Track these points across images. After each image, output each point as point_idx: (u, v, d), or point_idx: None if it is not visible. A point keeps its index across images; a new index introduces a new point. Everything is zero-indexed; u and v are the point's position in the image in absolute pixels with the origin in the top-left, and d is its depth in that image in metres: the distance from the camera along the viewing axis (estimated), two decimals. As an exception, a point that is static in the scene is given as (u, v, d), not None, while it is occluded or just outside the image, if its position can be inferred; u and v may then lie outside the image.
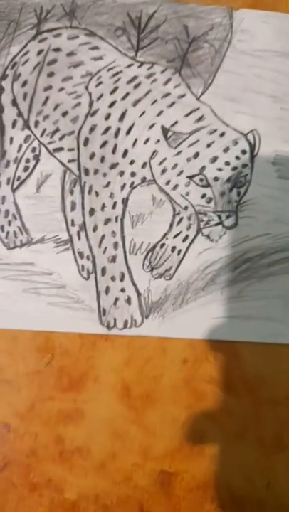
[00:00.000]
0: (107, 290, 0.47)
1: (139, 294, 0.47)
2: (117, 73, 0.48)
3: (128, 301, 0.47)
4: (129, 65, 0.49)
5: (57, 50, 0.49)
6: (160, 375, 0.45)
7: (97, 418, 0.45)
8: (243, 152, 0.48)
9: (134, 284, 0.47)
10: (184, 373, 0.45)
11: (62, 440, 0.44)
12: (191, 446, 0.44)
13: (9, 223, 0.48)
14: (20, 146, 0.49)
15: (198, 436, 0.44)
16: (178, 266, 0.48)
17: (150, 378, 0.45)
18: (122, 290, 0.47)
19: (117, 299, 0.47)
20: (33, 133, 0.48)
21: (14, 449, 0.44)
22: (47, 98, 0.48)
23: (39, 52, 0.49)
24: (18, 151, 0.48)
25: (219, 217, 0.47)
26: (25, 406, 0.44)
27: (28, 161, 0.49)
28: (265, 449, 0.44)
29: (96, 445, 0.44)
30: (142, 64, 0.49)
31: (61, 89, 0.48)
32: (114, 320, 0.47)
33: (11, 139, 0.48)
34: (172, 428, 0.45)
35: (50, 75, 0.48)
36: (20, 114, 0.48)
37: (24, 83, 0.48)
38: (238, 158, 0.47)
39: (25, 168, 0.48)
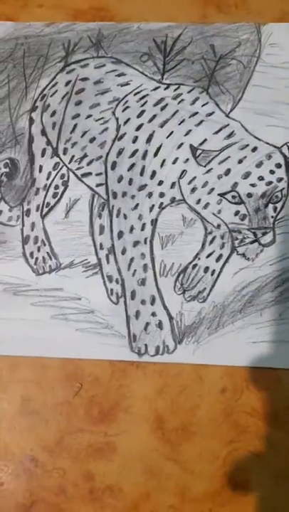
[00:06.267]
0: (137, 314, 0.47)
1: (171, 318, 0.47)
2: (143, 97, 0.49)
3: (159, 325, 0.47)
4: (156, 88, 0.50)
5: (84, 79, 0.51)
6: (197, 406, 0.44)
7: (129, 453, 0.43)
8: (278, 166, 0.47)
9: (165, 308, 0.47)
10: (223, 404, 0.44)
11: (92, 477, 0.43)
12: (234, 487, 0.41)
13: (38, 249, 0.49)
14: (50, 173, 0.50)
15: (242, 475, 0.41)
16: (212, 287, 0.47)
17: (186, 409, 0.44)
18: (153, 314, 0.47)
19: (147, 324, 0.47)
20: (61, 160, 0.50)
21: (42, 486, 0.43)
22: (75, 126, 0.50)
23: (67, 83, 0.51)
24: (48, 178, 0.50)
25: (255, 234, 0.47)
26: (53, 439, 0.44)
27: (57, 187, 0.50)
28: None
29: (128, 483, 0.43)
30: (168, 86, 0.50)
31: (89, 116, 0.50)
32: (146, 346, 0.46)
33: (40, 167, 0.50)
34: (212, 465, 0.42)
35: (78, 103, 0.50)
36: (49, 142, 0.50)
37: (53, 113, 0.50)
38: (272, 172, 0.47)
39: (55, 195, 0.50)
